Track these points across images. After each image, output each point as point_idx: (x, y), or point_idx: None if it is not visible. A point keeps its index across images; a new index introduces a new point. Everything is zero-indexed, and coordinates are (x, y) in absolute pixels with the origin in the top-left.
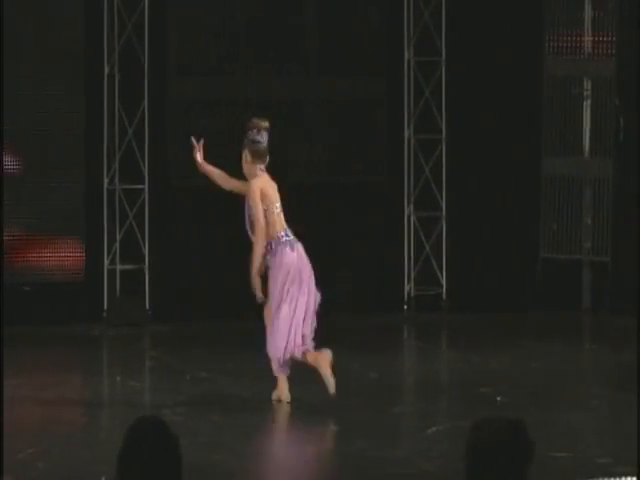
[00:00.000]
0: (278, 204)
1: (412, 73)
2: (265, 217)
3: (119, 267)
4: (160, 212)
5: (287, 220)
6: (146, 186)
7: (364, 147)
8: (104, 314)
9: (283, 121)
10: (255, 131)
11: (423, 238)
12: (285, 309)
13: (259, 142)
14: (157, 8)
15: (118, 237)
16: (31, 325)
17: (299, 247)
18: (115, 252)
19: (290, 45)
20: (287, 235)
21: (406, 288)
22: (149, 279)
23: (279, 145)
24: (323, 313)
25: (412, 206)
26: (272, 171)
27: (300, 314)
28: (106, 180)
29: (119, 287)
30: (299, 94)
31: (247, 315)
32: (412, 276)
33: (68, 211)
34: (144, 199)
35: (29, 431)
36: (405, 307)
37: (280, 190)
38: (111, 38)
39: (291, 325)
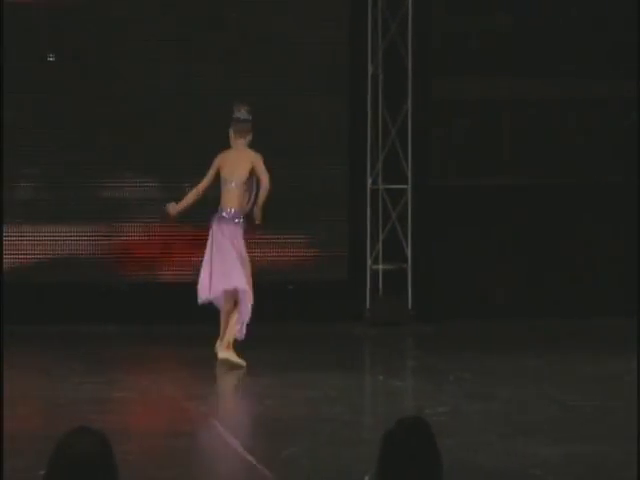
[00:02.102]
0: (233, 183)
1: None
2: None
3: (382, 267)
4: (423, 212)
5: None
6: (409, 186)
7: (620, 148)
8: (366, 313)
9: (543, 121)
10: (236, 109)
11: None
12: None
13: (238, 118)
14: (421, 8)
15: (381, 237)
16: (291, 323)
17: (226, 225)
18: (378, 252)
19: (555, 46)
20: (222, 212)
21: None
22: (412, 279)
23: (533, 144)
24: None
25: None
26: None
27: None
28: (369, 180)
29: (382, 287)
30: (558, 94)
31: (511, 315)
32: None
33: (331, 210)
34: (407, 199)
35: (293, 429)
36: None
37: (533, 191)
38: (375, 39)
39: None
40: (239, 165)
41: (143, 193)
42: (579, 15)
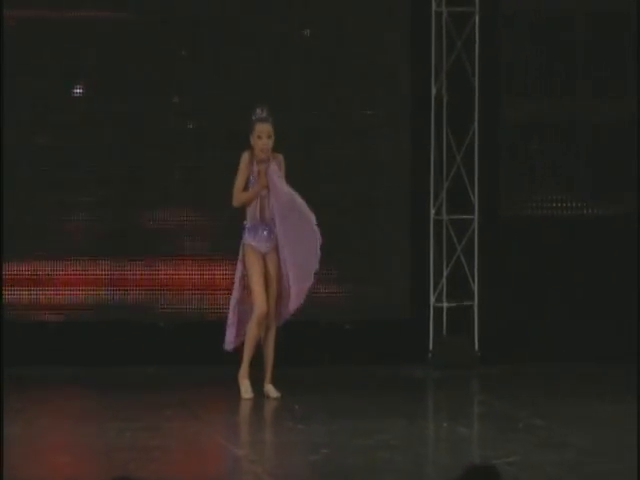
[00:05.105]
0: None
1: None
2: None
3: (446, 304)
4: (490, 244)
5: None
6: (475, 216)
7: None
8: (429, 355)
9: (622, 144)
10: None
11: None
12: None
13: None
14: (488, 24)
15: (445, 271)
16: (348, 365)
17: None
18: (442, 288)
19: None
20: None
21: None
22: (478, 317)
23: (611, 170)
24: None
25: None
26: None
27: None
28: (433, 210)
29: (445, 326)
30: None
31: (586, 358)
32: None
33: (392, 243)
34: (473, 230)
35: (352, 478)
36: None
37: (610, 222)
38: (439, 57)
39: None
40: None
41: (185, 227)
42: None
